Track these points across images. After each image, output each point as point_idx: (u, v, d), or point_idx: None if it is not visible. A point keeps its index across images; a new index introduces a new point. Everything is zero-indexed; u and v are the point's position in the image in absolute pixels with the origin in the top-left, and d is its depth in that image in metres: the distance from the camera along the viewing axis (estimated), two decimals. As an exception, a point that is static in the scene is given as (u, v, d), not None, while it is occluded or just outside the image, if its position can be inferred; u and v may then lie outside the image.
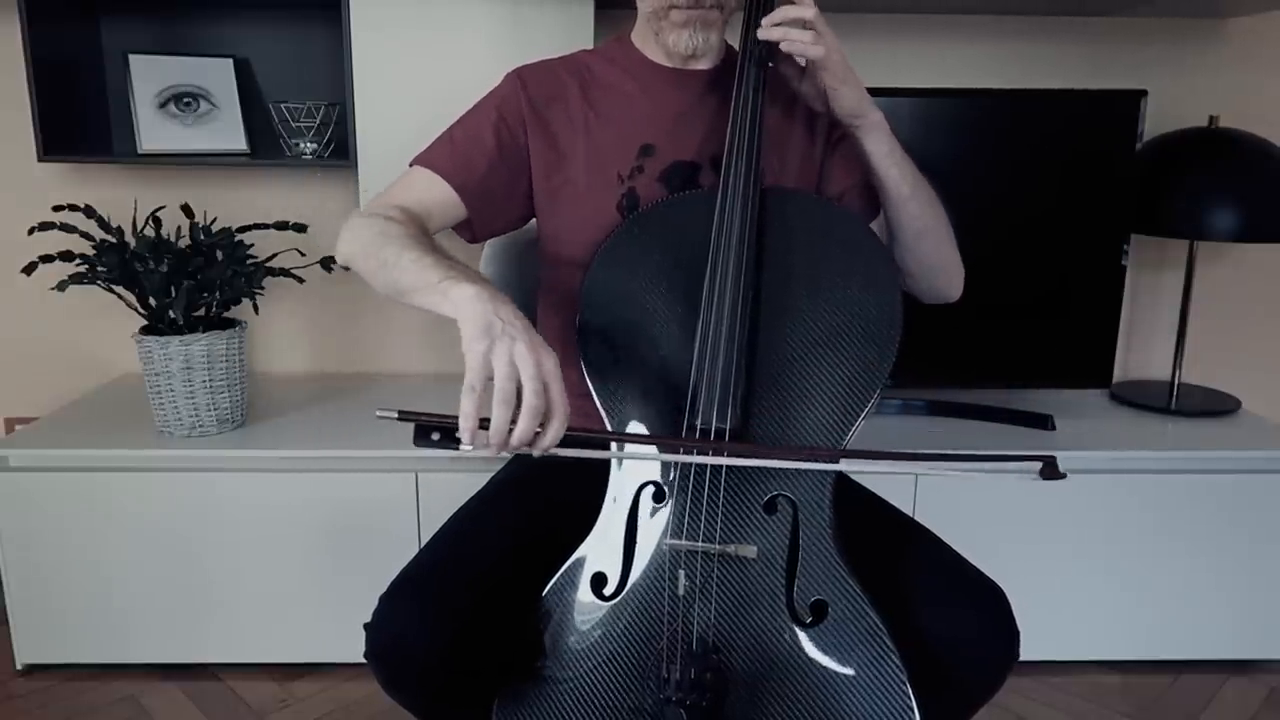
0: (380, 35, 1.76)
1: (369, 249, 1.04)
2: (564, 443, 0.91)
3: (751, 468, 1.01)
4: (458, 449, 0.90)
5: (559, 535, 1.06)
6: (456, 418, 0.88)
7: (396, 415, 0.91)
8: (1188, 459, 1.79)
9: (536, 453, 0.91)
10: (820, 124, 1.24)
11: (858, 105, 1.12)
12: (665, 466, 1.03)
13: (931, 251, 1.20)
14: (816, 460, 1.01)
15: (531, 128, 1.21)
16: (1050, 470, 0.95)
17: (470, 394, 0.86)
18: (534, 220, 1.28)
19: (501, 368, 0.87)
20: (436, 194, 1.17)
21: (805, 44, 1.07)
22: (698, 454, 1.01)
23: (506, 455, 0.93)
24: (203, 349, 1.71)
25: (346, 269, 1.12)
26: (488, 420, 0.87)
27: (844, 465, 1.02)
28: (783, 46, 1.09)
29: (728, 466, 1.01)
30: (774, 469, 1.01)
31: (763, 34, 1.09)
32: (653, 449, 1.05)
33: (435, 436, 0.91)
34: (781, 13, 1.08)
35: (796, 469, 1.00)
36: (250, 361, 2.12)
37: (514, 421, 0.88)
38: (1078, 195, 1.85)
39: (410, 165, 1.21)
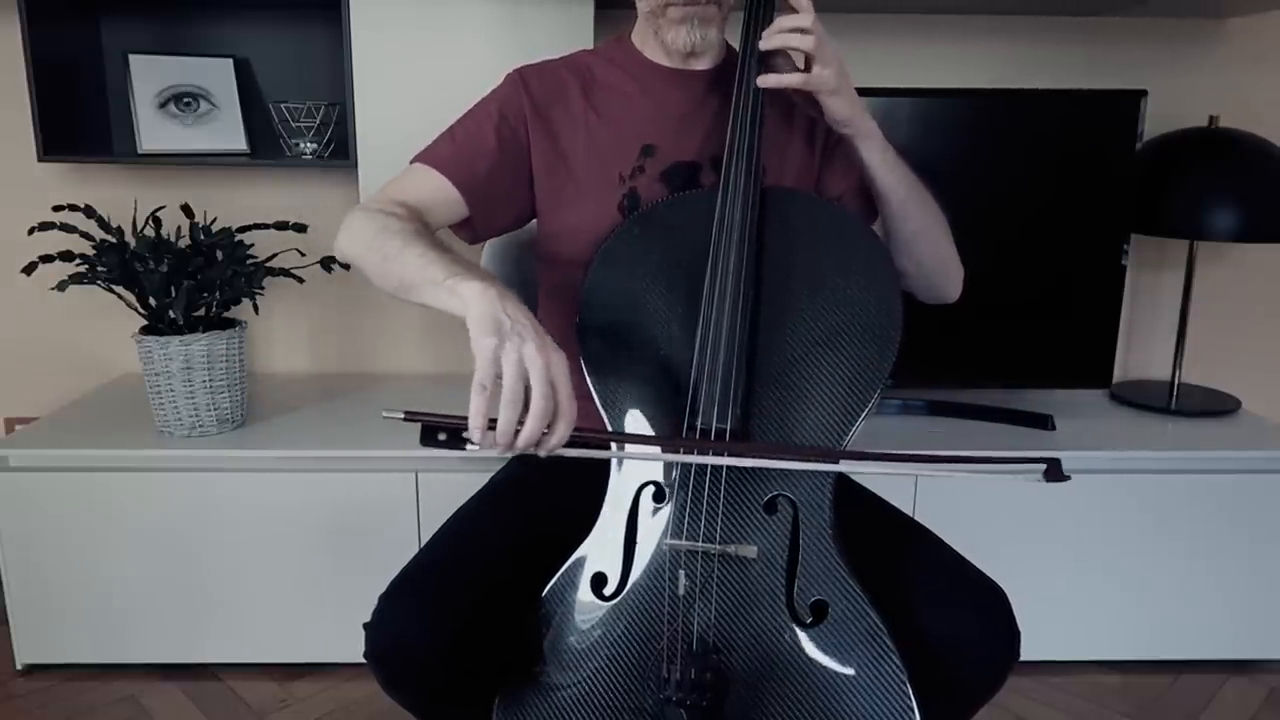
0: (380, 35, 1.76)
1: (371, 244, 1.04)
2: (570, 443, 0.91)
3: (751, 469, 1.01)
4: (464, 449, 0.90)
5: (559, 535, 1.06)
6: (460, 418, 0.87)
7: (403, 416, 0.90)
8: (1188, 459, 1.79)
9: (543, 453, 0.91)
10: (819, 128, 1.24)
11: (849, 115, 1.12)
12: (666, 466, 1.03)
13: (929, 254, 1.20)
14: (821, 460, 1.00)
15: (533, 127, 1.21)
16: (1054, 472, 0.94)
17: (481, 392, 0.86)
18: (533, 220, 1.28)
19: (511, 367, 0.86)
20: (437, 191, 1.17)
21: (801, 50, 1.07)
22: (700, 454, 1.01)
23: (509, 455, 0.93)
24: (203, 349, 1.71)
25: (346, 267, 1.12)
26: (494, 420, 0.87)
27: (846, 466, 1.02)
28: (776, 44, 1.08)
29: (728, 467, 1.01)
30: (774, 469, 1.01)
31: (764, 45, 1.09)
32: (656, 449, 1.05)
33: (442, 437, 0.90)
34: (780, 23, 1.08)
35: (797, 469, 1.00)
36: (250, 361, 2.12)
37: (520, 422, 0.87)
38: (1078, 195, 1.85)
39: (411, 163, 1.21)
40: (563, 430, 0.89)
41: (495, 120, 1.20)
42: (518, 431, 0.87)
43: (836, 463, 1.01)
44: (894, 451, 1.01)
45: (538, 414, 0.87)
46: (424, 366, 2.20)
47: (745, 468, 1.00)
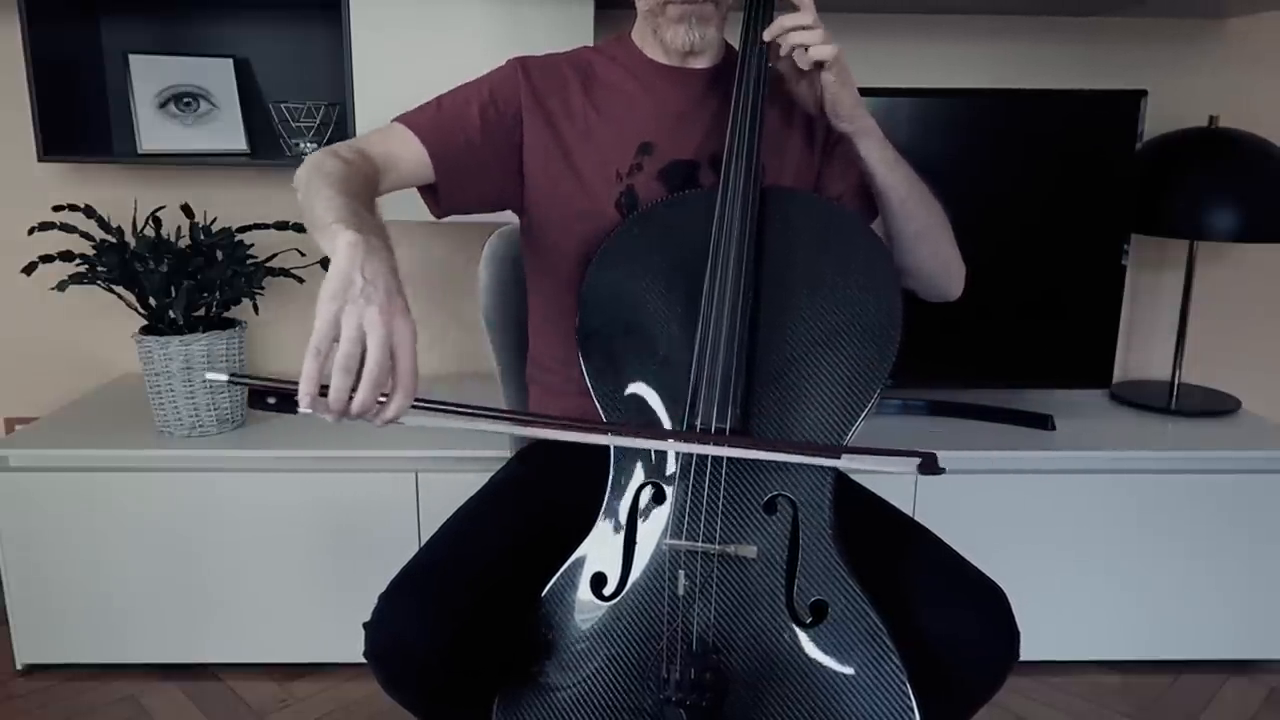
0: (380, 35, 1.76)
1: (305, 181, 1.02)
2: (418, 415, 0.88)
3: (751, 469, 1.01)
4: (295, 413, 0.86)
5: (559, 535, 1.06)
6: (295, 383, 0.84)
7: (228, 378, 0.88)
8: (1188, 459, 1.79)
9: (378, 423, 0.87)
10: (819, 127, 1.24)
11: (852, 111, 1.12)
12: (665, 467, 1.03)
13: (930, 253, 1.20)
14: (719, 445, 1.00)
15: (529, 117, 1.21)
16: (929, 466, 0.95)
17: (315, 356, 0.81)
18: (510, 212, 1.28)
19: (348, 330, 0.82)
20: (408, 151, 1.16)
21: (814, 42, 1.07)
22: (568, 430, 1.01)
23: (347, 421, 0.88)
24: (203, 349, 1.71)
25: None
26: (327, 386, 0.83)
27: (726, 450, 0.99)
28: (791, 39, 1.09)
29: (728, 469, 1.01)
30: (773, 468, 1.01)
31: (768, 34, 1.09)
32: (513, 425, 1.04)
33: (271, 400, 0.87)
34: (782, 21, 1.09)
35: (792, 464, 1.00)
36: (250, 361, 2.12)
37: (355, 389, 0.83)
38: (1078, 195, 1.85)
39: (391, 122, 1.20)
40: (399, 401, 0.85)
41: (483, 100, 1.20)
42: (352, 398, 0.84)
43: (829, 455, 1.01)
44: (781, 440, 1.01)
45: (369, 382, 0.83)
46: (423, 366, 2.18)
47: (745, 468, 1.00)
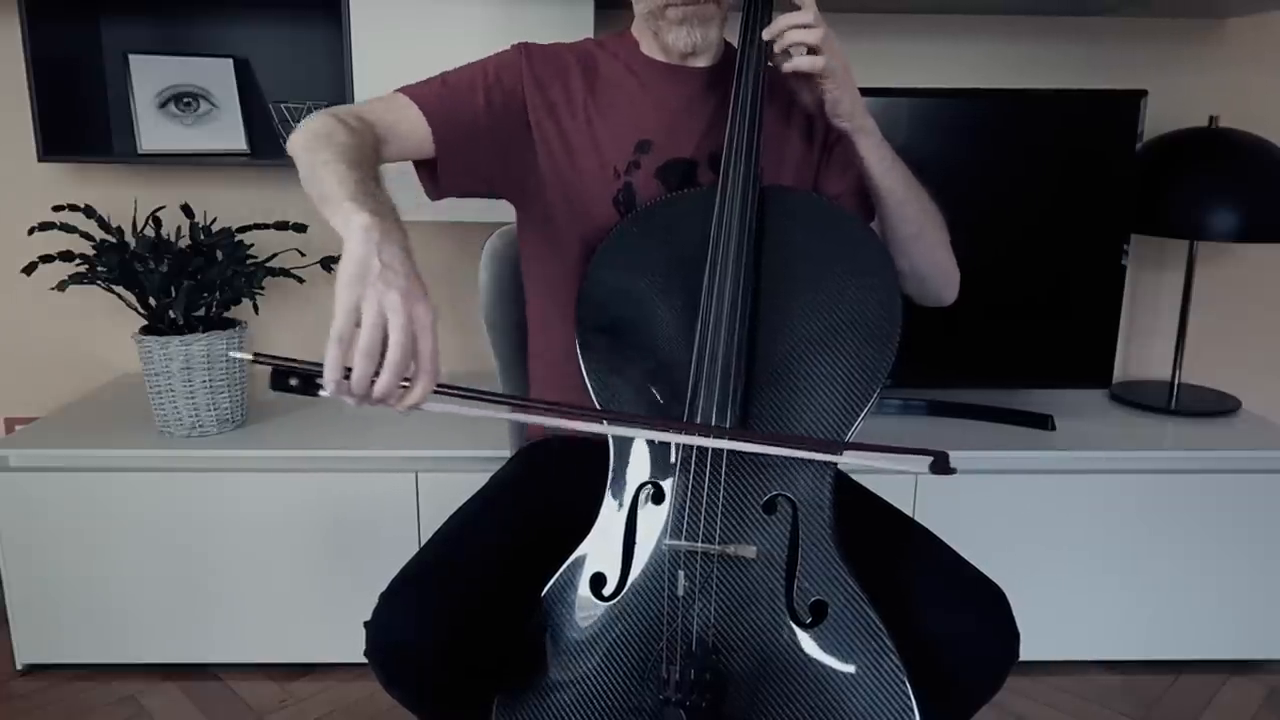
0: (380, 35, 1.76)
1: (309, 145, 1.01)
2: (443, 401, 0.87)
3: (750, 469, 1.01)
4: (317, 395, 0.85)
5: (559, 535, 1.06)
6: (318, 365, 0.83)
7: (252, 357, 0.86)
8: (1188, 459, 1.79)
9: (401, 409, 0.86)
10: (817, 127, 1.24)
11: (851, 112, 1.12)
12: (665, 466, 1.03)
13: (926, 256, 1.20)
14: (741, 440, 1.00)
15: (533, 102, 1.20)
16: (941, 465, 0.95)
17: (338, 344, 0.81)
18: (503, 200, 1.27)
19: (369, 316, 0.81)
20: (410, 124, 1.14)
21: (812, 40, 1.07)
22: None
23: (368, 406, 0.87)
24: (203, 349, 1.71)
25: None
26: (350, 370, 0.82)
27: (760, 448, 1.01)
28: (790, 38, 1.08)
29: (727, 468, 1.01)
30: (773, 467, 1.01)
31: (767, 33, 1.09)
32: (552, 418, 1.05)
33: (294, 382, 0.86)
34: (780, 21, 1.09)
35: (791, 463, 1.00)
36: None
37: (377, 373, 0.83)
38: (1078, 195, 1.85)
39: (394, 92, 1.18)
40: (423, 385, 0.84)
41: (488, 82, 1.19)
42: (374, 383, 0.83)
43: (839, 451, 1.01)
44: (790, 435, 1.00)
45: (392, 367, 0.82)
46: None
47: (745, 469, 1.00)
